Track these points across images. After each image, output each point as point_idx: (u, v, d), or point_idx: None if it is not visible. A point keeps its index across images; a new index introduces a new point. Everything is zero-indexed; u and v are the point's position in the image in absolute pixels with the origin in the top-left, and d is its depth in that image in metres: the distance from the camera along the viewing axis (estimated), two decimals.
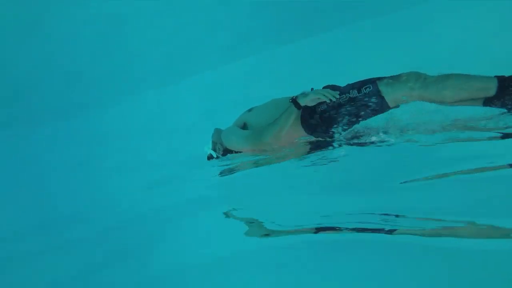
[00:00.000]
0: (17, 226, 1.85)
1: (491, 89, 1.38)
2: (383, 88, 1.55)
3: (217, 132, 2.12)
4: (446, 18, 3.27)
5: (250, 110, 2.05)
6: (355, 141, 1.59)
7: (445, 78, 1.43)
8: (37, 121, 5.78)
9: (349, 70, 2.01)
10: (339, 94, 1.66)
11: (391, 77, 1.57)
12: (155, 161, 3.23)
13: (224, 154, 2.09)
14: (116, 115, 5.99)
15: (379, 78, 1.60)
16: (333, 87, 1.74)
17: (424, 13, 3.60)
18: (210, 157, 2.13)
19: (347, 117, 1.64)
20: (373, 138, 1.50)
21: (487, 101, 1.41)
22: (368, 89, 1.58)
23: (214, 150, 2.11)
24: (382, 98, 1.55)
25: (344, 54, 3.57)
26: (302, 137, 1.85)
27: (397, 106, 1.59)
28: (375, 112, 1.60)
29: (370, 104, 1.58)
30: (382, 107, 1.58)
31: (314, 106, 1.72)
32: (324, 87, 1.78)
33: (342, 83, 1.76)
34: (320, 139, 1.82)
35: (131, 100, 6.24)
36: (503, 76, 1.38)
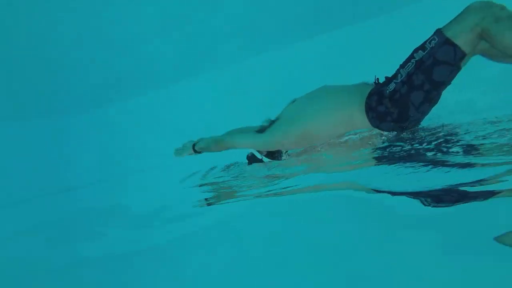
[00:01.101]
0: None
1: None
2: (449, 32, 1.23)
3: None
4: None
5: (293, 101, 1.67)
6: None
7: None
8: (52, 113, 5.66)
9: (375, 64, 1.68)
10: (402, 67, 1.32)
11: (455, 17, 1.26)
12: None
13: (267, 156, 1.77)
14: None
15: (442, 28, 1.28)
16: (387, 79, 1.42)
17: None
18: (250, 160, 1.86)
19: (422, 88, 1.29)
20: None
21: None
22: (434, 41, 1.25)
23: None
24: (454, 44, 1.22)
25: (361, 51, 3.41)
26: (358, 129, 1.46)
27: (472, 53, 1.27)
28: (452, 68, 1.26)
29: (442, 58, 1.24)
30: (456, 57, 1.23)
31: (381, 89, 1.36)
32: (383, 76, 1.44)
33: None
34: (388, 132, 1.42)
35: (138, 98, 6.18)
36: None
